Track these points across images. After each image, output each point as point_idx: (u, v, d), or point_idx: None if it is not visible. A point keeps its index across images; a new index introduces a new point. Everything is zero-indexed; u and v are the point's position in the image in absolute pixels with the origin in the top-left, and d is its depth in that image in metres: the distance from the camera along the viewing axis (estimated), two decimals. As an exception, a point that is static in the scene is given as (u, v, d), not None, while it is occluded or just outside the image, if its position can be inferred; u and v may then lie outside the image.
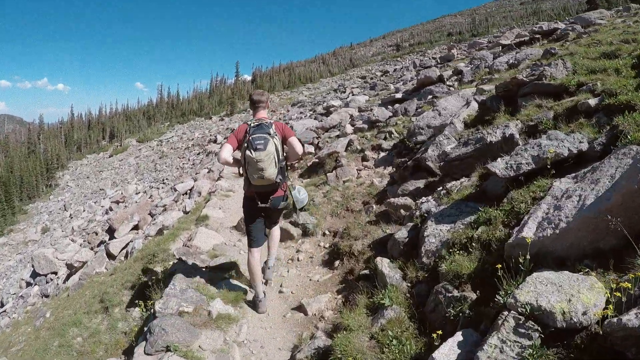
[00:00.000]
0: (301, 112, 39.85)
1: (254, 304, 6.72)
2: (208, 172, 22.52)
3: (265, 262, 7.27)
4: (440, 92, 17.57)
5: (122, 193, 40.97)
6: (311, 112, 34.88)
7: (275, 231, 7.10)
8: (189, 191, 19.70)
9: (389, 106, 18.64)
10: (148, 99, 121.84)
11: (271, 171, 5.75)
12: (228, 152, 5.76)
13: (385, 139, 14.54)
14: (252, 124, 5.91)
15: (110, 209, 35.44)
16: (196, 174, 26.81)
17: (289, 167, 6.45)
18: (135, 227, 19.57)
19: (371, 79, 49.85)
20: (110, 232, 20.83)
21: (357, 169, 13.22)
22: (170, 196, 21.25)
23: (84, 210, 43.17)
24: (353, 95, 35.32)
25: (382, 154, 13.51)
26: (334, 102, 30.95)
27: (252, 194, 6.15)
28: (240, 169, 6.09)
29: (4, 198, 62.90)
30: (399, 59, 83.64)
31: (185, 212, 16.38)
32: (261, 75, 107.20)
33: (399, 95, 20.11)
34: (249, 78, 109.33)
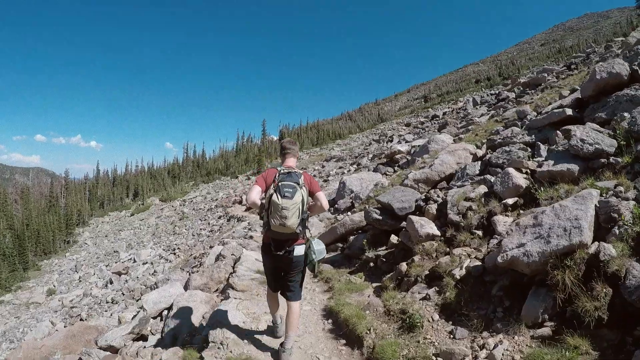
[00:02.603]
0: (340, 167, 34.66)
1: (271, 332, 6.23)
2: (217, 259, 12.48)
3: (281, 345, 5.59)
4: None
5: (133, 259, 34.85)
6: (356, 166, 29.96)
7: (294, 307, 5.55)
8: (166, 311, 8.66)
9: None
10: (174, 157, 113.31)
11: (293, 220, 5.01)
12: (257, 193, 5.17)
13: None
14: (282, 171, 5.31)
15: (111, 282, 29.93)
16: (194, 266, 16.82)
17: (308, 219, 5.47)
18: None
19: (421, 123, 42.58)
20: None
21: None
22: (131, 318, 9.89)
23: (93, 274, 37.81)
24: (406, 140, 29.84)
25: None
26: (400, 146, 22.27)
27: (269, 240, 5.34)
28: (263, 212, 5.30)
29: (17, 252, 54.80)
30: (429, 109, 76.41)
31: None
32: (288, 133, 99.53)
33: (568, 112, 10.12)
34: (275, 138, 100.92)
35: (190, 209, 51.32)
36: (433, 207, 8.62)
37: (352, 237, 11.09)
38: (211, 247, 18.60)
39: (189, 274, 11.76)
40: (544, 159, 8.17)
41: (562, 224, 4.86)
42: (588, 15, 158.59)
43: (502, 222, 6.69)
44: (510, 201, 7.19)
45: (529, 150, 9.37)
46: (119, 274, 31.19)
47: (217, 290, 9.53)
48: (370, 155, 31.64)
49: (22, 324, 29.18)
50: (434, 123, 37.96)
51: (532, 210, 5.97)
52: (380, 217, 9.63)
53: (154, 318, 8.39)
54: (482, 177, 8.98)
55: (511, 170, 7.80)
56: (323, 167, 39.61)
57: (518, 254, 4.99)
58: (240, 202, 35.93)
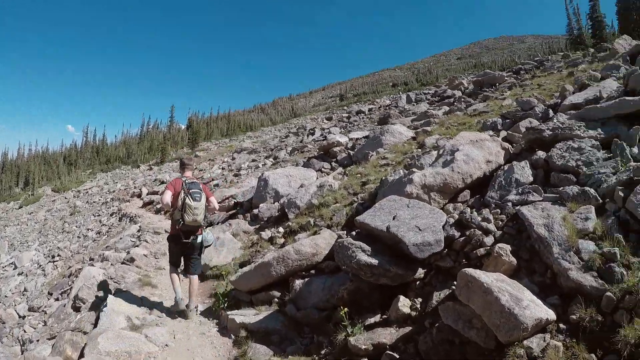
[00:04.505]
0: (254, 160, 30.47)
1: (175, 304, 7.21)
2: (75, 302, 8.54)
3: (187, 306, 7.23)
4: None
5: (14, 264, 25.81)
6: (273, 160, 25.98)
7: (195, 279, 7.43)
8: None
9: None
10: (72, 141, 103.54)
11: (201, 217, 6.91)
12: (170, 197, 6.85)
13: None
14: (187, 181, 7.04)
15: (-37, 300, 23.79)
16: (63, 292, 12.31)
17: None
18: None
19: (347, 118, 39.22)
20: None
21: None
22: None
23: (-41, 285, 30.10)
24: (332, 133, 25.33)
25: None
26: (339, 138, 18.34)
27: (179, 232, 6.96)
28: (175, 211, 6.91)
29: None
30: (345, 107, 73.41)
31: None
32: (198, 122, 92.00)
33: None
34: (183, 126, 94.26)
35: (84, 201, 44.22)
36: (507, 249, 4.55)
37: (299, 282, 6.80)
38: (91, 259, 13.97)
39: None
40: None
41: None
42: (504, 37, 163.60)
43: None
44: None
45: (602, 150, 6.21)
46: (-22, 291, 25.14)
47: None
48: (289, 149, 27.84)
49: None
50: (362, 117, 35.43)
51: None
52: (376, 262, 5.26)
53: None
54: (567, 189, 5.23)
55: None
56: (233, 159, 35.34)
57: None
58: (139, 196, 31.32)
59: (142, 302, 7.48)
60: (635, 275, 3.77)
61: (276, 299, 6.99)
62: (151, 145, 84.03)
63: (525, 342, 3.66)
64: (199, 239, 7.17)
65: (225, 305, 7.29)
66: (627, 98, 7.19)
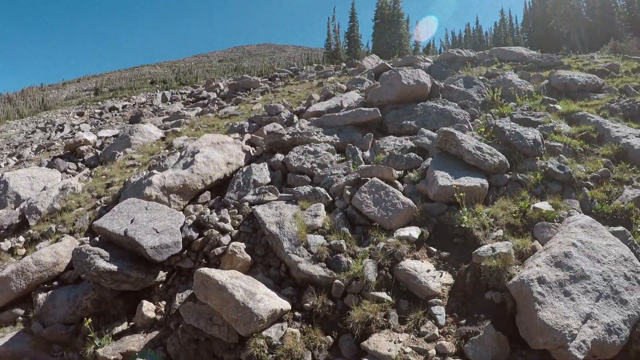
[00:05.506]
0: None
1: None
2: None
3: None
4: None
5: None
6: (16, 159, 23.42)
7: None
8: None
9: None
10: None
11: None
12: None
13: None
14: None
15: None
16: None
17: None
18: None
19: (99, 114, 37.73)
20: None
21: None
22: None
23: None
24: (82, 130, 25.72)
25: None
26: (87, 135, 17.57)
27: None
28: None
29: None
30: (99, 102, 70.00)
31: None
32: None
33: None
34: None
35: None
36: (240, 247, 4.87)
37: (42, 296, 6.22)
38: None
39: None
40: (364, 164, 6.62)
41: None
42: (267, 44, 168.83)
43: (421, 272, 4.19)
44: (413, 234, 4.68)
45: (337, 154, 7.35)
46: None
47: None
48: (35, 146, 25.53)
49: None
50: (115, 114, 34.35)
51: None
52: (116, 268, 5.17)
53: None
54: (300, 189, 5.89)
55: (380, 181, 5.19)
56: (-32, 155, 31.00)
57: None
58: None
59: None
60: (360, 263, 4.34)
61: (21, 317, 6.34)
62: None
63: (264, 332, 3.92)
64: None
65: (-34, 332, 6.20)
66: (363, 109, 8.51)
